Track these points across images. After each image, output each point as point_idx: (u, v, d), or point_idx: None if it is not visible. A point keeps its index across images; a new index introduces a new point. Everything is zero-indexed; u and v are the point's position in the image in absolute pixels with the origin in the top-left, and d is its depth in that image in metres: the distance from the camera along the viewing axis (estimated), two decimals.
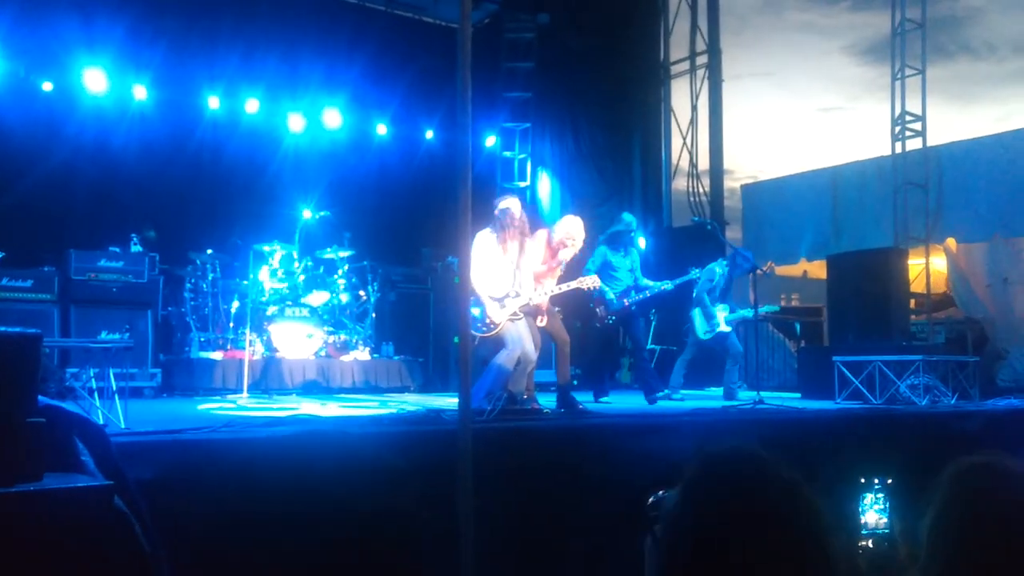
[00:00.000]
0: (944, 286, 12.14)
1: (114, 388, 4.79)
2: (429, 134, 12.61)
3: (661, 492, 1.42)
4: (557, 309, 7.19)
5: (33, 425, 2.45)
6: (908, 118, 11.56)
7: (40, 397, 2.63)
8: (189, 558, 3.04)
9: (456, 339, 10.50)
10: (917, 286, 11.13)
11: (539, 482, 4.50)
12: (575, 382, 11.41)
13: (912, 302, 10.62)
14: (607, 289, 7.94)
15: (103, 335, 7.68)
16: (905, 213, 11.32)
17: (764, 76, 24.05)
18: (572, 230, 6.77)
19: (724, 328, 8.90)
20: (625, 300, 8.13)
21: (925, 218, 11.32)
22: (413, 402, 7.61)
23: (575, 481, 4.63)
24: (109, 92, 10.11)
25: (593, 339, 8.96)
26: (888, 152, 11.79)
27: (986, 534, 1.56)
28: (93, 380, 4.88)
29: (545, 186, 13.49)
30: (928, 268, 11.40)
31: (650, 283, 8.55)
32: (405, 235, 11.80)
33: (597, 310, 8.11)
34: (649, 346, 11.95)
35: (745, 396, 8.35)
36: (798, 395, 9.27)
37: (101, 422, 3.91)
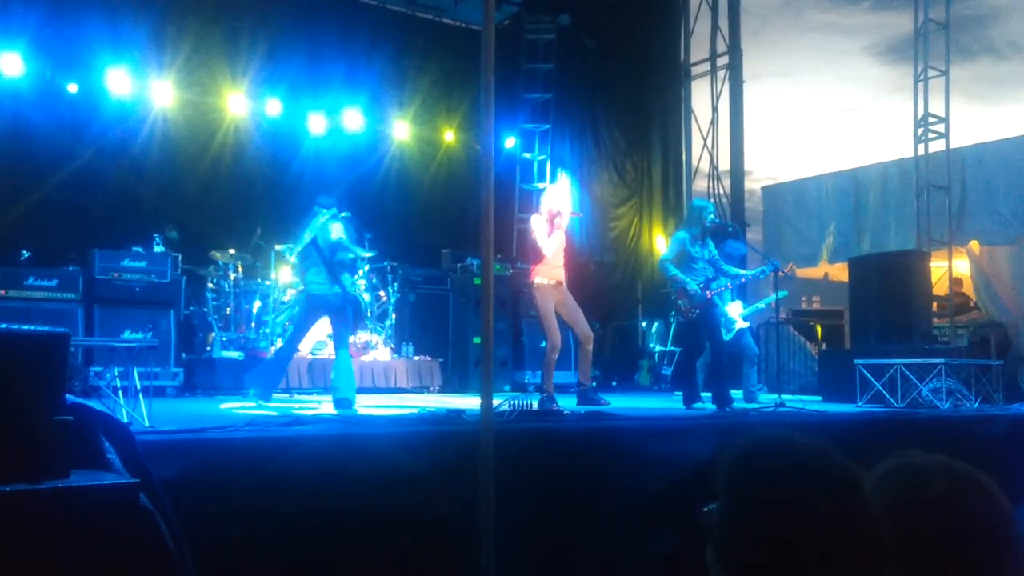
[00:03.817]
0: (967, 289, 12.04)
1: (138, 387, 4.83)
2: (449, 135, 12.64)
3: (714, 505, 1.39)
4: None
5: (61, 423, 2.48)
6: (931, 119, 11.46)
7: (67, 395, 2.67)
8: (212, 555, 3.08)
9: (476, 339, 10.57)
10: (940, 289, 11.03)
11: (559, 483, 4.50)
12: (594, 383, 11.48)
13: (935, 305, 10.54)
14: (690, 280, 7.34)
15: (126, 334, 7.77)
16: (928, 215, 11.23)
17: (784, 76, 23.89)
18: (556, 200, 6.84)
19: (742, 324, 8.80)
20: (708, 292, 7.42)
21: (948, 220, 11.23)
22: (433, 402, 7.63)
23: (595, 482, 4.62)
24: (132, 93, 10.20)
25: (679, 337, 8.39)
26: (910, 154, 11.70)
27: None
28: (117, 379, 4.92)
29: (567, 188, 13.47)
30: (951, 271, 11.31)
31: (741, 271, 7.95)
32: (425, 236, 11.85)
33: (680, 303, 7.44)
34: (668, 348, 11.92)
35: (766, 399, 8.30)
36: (819, 398, 9.21)
37: (126, 421, 3.95)
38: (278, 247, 9.24)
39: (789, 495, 1.28)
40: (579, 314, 6.86)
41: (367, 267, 10.08)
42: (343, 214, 9.95)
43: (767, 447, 1.36)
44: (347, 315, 7.03)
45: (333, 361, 8.75)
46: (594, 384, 11.31)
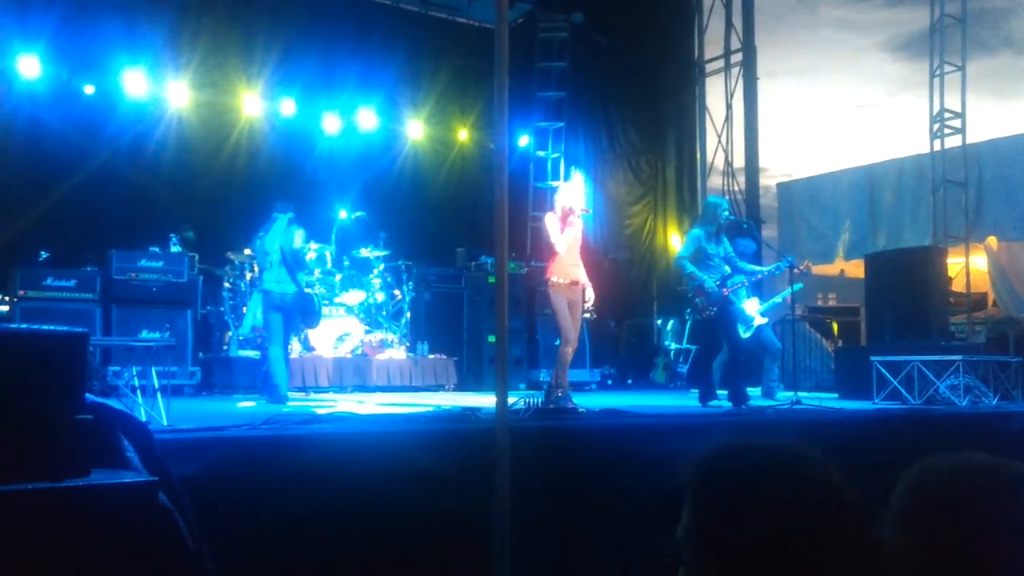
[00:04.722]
0: (984, 285, 11.96)
1: (156, 386, 4.87)
2: (463, 134, 12.66)
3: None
4: (591, 308, 7.15)
5: (81, 422, 2.50)
6: (947, 115, 11.38)
7: (86, 395, 2.69)
8: (230, 552, 3.10)
9: (491, 338, 10.55)
10: (957, 285, 10.97)
11: (574, 480, 4.50)
12: (609, 382, 11.49)
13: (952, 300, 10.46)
14: (707, 277, 7.27)
15: (144, 334, 7.82)
16: (944, 211, 11.16)
17: (798, 73, 23.75)
18: (568, 198, 6.84)
19: (760, 320, 8.75)
20: (725, 289, 7.36)
21: (965, 216, 11.15)
22: (448, 401, 7.64)
23: (610, 480, 4.63)
24: (148, 94, 10.27)
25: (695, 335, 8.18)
26: (926, 149, 11.63)
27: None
28: (136, 378, 4.96)
29: (581, 185, 13.47)
30: (968, 267, 11.23)
31: (757, 267, 7.95)
32: (439, 235, 11.87)
33: (697, 301, 7.38)
34: (684, 345, 11.90)
35: (782, 396, 8.27)
36: (835, 395, 9.17)
37: (144, 419, 3.98)
38: (247, 251, 9.33)
39: (750, 498, 1.21)
40: (578, 320, 6.89)
41: (382, 266, 10.12)
42: (357, 214, 10.04)
43: (724, 457, 1.29)
44: (298, 315, 7.79)
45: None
46: (609, 382, 11.39)
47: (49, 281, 8.01)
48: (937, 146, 11.48)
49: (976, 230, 11.25)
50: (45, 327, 2.59)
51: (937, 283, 9.29)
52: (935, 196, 11.27)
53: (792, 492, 1.21)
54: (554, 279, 6.73)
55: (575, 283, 6.78)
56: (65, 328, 2.61)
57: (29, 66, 9.45)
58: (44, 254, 8.48)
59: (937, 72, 11.47)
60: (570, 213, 6.79)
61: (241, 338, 9.19)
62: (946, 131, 11.41)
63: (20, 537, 2.25)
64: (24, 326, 2.57)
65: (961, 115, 11.35)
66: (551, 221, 6.81)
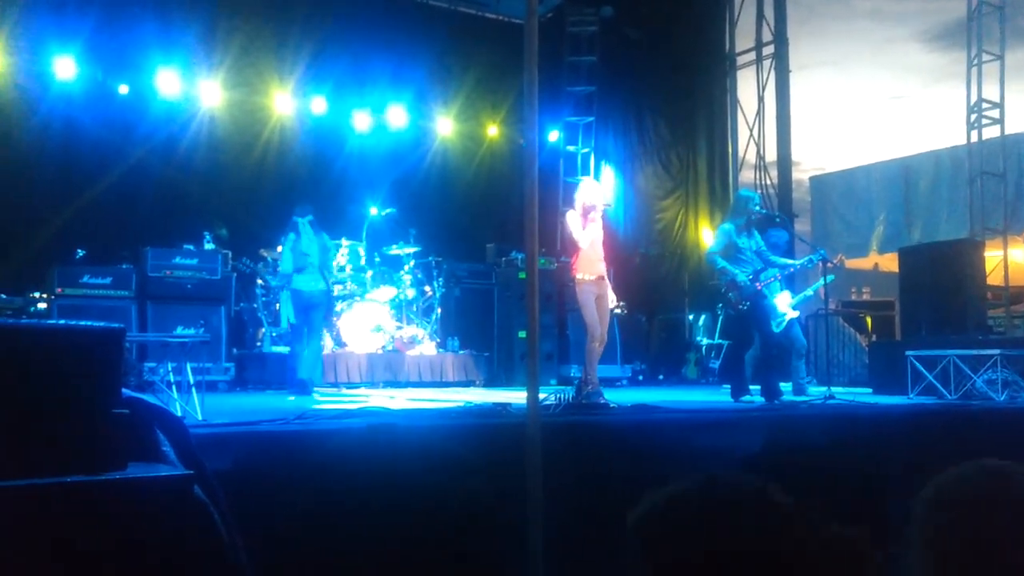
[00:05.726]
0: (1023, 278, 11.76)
1: (191, 381, 4.93)
2: (492, 130, 12.66)
3: None
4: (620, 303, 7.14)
5: (118, 416, 2.54)
6: (985, 105, 11.19)
7: (123, 390, 2.73)
8: (265, 546, 3.13)
9: (522, 333, 10.54)
10: (994, 278, 10.78)
11: (605, 476, 4.49)
12: (640, 377, 11.45)
13: (989, 295, 10.29)
14: (739, 272, 7.24)
15: (179, 330, 7.91)
16: (981, 203, 10.98)
17: (832, 65, 23.42)
18: (589, 194, 6.82)
19: (792, 314, 8.66)
20: (757, 283, 7.32)
21: (1003, 208, 10.96)
22: (479, 396, 7.66)
23: (642, 475, 4.61)
24: (181, 94, 10.39)
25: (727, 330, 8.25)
26: (963, 141, 11.44)
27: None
28: (171, 374, 5.03)
29: (609, 180, 13.43)
30: (1006, 260, 11.05)
31: (790, 261, 7.92)
32: (469, 231, 11.90)
33: (730, 295, 7.35)
34: (716, 340, 11.82)
35: (815, 391, 8.19)
36: (869, 390, 9.07)
37: (179, 414, 4.03)
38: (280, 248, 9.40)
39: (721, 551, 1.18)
40: (606, 315, 6.87)
41: (412, 262, 10.16)
42: (387, 210, 10.10)
43: (676, 512, 1.24)
44: (325, 310, 8.32)
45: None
46: (640, 377, 11.36)
47: (86, 279, 8.13)
48: (974, 137, 11.29)
49: (1014, 222, 11.06)
50: (82, 323, 2.63)
51: (974, 276, 9.14)
52: (972, 188, 11.10)
53: (755, 536, 1.18)
54: (580, 275, 6.72)
55: (601, 278, 6.77)
56: (102, 324, 2.64)
57: (65, 67, 9.59)
58: (80, 252, 8.62)
59: (975, 62, 11.28)
60: (591, 209, 6.77)
61: (274, 335, 9.28)
62: (984, 122, 11.22)
63: (58, 529, 2.28)
64: (62, 322, 2.61)
65: (999, 105, 11.15)
66: (572, 218, 6.81)
